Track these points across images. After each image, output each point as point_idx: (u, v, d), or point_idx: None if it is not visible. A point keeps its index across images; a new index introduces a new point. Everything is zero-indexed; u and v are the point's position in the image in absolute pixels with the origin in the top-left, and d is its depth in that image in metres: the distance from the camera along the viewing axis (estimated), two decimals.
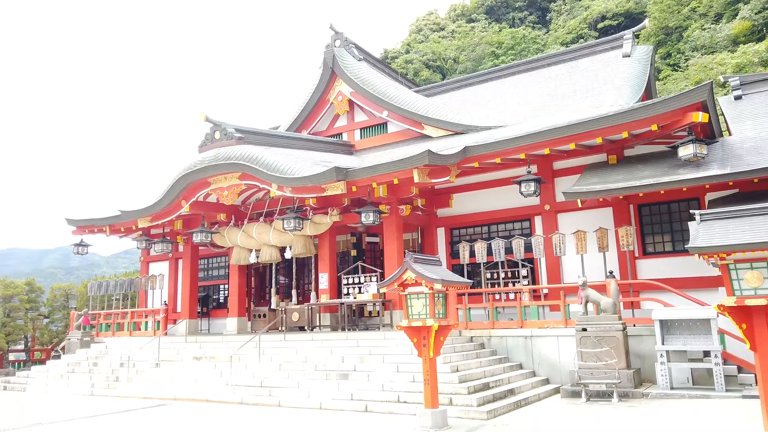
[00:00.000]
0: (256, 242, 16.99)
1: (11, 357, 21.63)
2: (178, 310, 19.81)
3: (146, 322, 19.17)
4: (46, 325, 22.57)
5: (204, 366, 14.24)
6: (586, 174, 13.69)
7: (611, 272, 12.16)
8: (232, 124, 15.82)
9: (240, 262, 17.69)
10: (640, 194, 12.61)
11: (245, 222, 17.23)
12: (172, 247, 18.70)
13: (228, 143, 15.39)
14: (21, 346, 21.87)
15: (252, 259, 17.23)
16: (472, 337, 13.32)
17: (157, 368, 14.93)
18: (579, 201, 12.81)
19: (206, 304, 20.44)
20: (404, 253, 14.69)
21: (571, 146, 12.84)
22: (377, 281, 15.15)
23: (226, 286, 20.25)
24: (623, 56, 17.81)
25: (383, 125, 18.61)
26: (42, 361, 20.67)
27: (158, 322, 18.66)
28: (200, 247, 19.00)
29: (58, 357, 18.79)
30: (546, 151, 13.00)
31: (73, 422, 10.64)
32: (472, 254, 14.66)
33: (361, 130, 19.15)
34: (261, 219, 16.91)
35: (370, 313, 16.44)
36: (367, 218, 14.02)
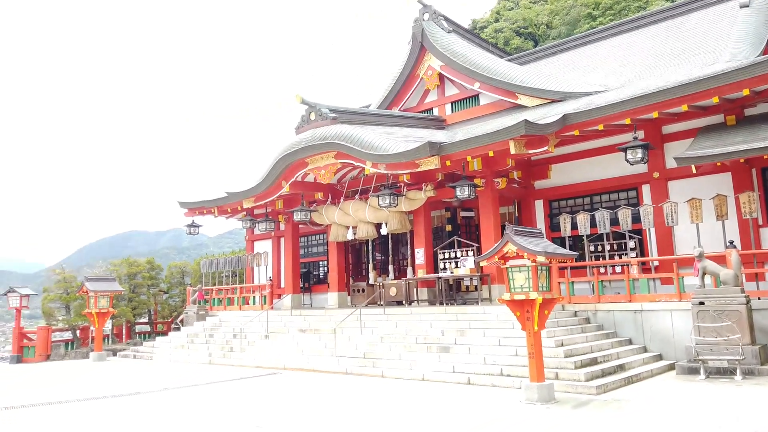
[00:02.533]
0: (353, 219, 17.40)
1: (137, 329, 23.85)
2: (282, 285, 20.81)
3: (254, 297, 20.33)
4: (166, 300, 24.59)
5: (309, 338, 14.91)
6: (700, 137, 12.69)
7: (731, 242, 11.24)
8: (326, 105, 16.19)
9: (338, 239, 18.23)
10: (765, 156, 11.49)
11: (341, 200, 17.68)
12: (274, 226, 19.63)
13: (323, 123, 15.77)
14: (145, 319, 24.01)
15: (349, 236, 17.70)
16: (576, 311, 12.92)
17: (266, 340, 15.83)
18: (693, 167, 11.91)
19: (308, 280, 21.30)
20: (501, 226, 14.51)
21: (683, 108, 11.92)
22: (474, 255, 15.05)
23: (326, 263, 20.99)
24: (741, 6, 16.12)
25: (475, 98, 18.25)
26: (164, 333, 22.58)
27: (265, 296, 19.72)
28: (300, 226, 19.76)
29: (178, 329, 20.44)
30: (654, 114, 12.15)
31: (197, 387, 11.58)
32: (574, 226, 14.13)
33: (452, 104, 18.89)
34: (357, 196, 17.26)
35: (467, 287, 16.39)
36: (462, 192, 13.91)
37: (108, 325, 20.98)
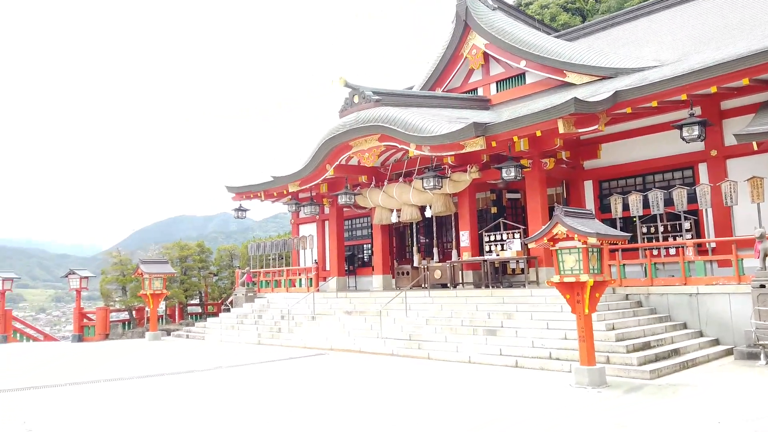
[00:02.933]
0: (397, 202, 17.40)
1: (189, 310, 24.70)
2: (327, 268, 21.09)
3: (300, 279, 20.68)
4: (215, 282, 25.35)
5: (355, 320, 15.08)
6: (762, 112, 12.02)
7: None
8: (369, 88, 16.14)
9: (382, 222, 18.29)
10: None
11: (385, 183, 17.68)
12: (319, 210, 19.83)
13: (366, 106, 15.75)
14: (196, 301, 24.83)
15: (393, 219, 17.72)
16: (627, 294, 12.58)
17: (313, 321, 16.12)
18: (755, 144, 11.32)
19: (352, 263, 21.50)
20: (548, 208, 14.22)
21: (744, 82, 11.30)
22: (520, 238, 14.82)
23: (370, 246, 21.11)
24: None
25: (521, 76, 17.82)
26: (214, 314, 23.31)
27: (311, 279, 20.03)
28: (344, 209, 19.91)
29: (228, 310, 21.03)
30: (713, 89, 11.58)
31: (248, 366, 11.92)
32: (626, 207, 13.70)
33: (497, 83, 18.51)
34: (400, 179, 17.23)
35: (513, 270, 16.20)
36: (508, 174, 13.68)
37: (162, 306, 21.79)
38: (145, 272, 19.31)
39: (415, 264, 18.34)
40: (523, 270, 14.89)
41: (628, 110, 12.65)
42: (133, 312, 22.21)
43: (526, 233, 14.50)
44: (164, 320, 22.61)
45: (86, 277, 21.20)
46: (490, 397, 8.05)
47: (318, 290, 18.93)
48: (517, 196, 17.36)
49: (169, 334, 20.22)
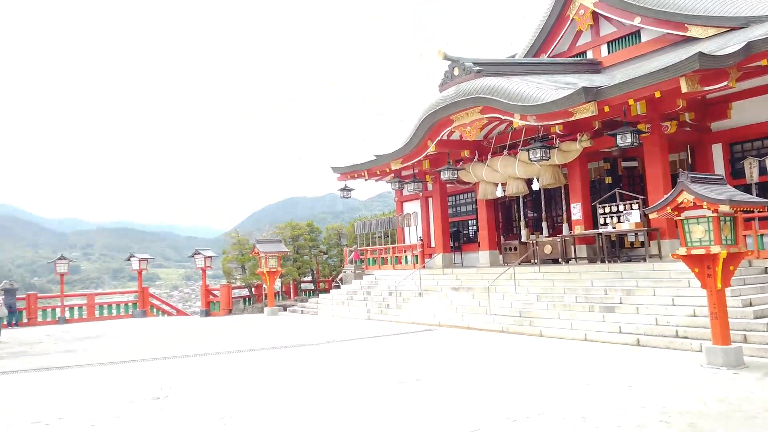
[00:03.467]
0: (502, 176, 16.91)
1: (303, 287, 25.93)
2: (432, 245, 21.09)
3: (406, 256, 20.91)
4: (326, 260, 26.37)
5: (462, 296, 14.98)
6: None
7: None
8: (469, 58, 15.70)
9: (487, 197, 17.89)
10: None
11: (489, 156, 17.22)
12: (422, 186, 19.82)
13: (467, 78, 15.34)
14: (309, 278, 25.99)
15: (498, 193, 17.26)
16: (766, 267, 11.34)
17: (420, 297, 16.24)
18: None
19: (457, 239, 21.33)
20: (670, 176, 13.12)
21: None
22: (639, 209, 13.84)
23: (475, 221, 20.80)
24: None
25: (635, 35, 16.46)
26: (325, 290, 24.27)
27: (416, 256, 20.19)
28: (448, 185, 19.72)
29: (338, 287, 21.80)
30: None
31: (359, 341, 12.28)
32: (762, 171, 12.30)
33: (608, 44, 17.25)
34: (505, 152, 16.70)
35: (631, 243, 15.19)
36: (624, 140, 12.75)
37: (278, 283, 23.01)
38: (261, 251, 20.46)
39: (523, 239, 17.80)
40: (642, 243, 13.92)
41: (764, 62, 11.23)
42: (252, 289, 23.70)
43: (645, 203, 13.50)
44: (280, 296, 23.91)
45: (209, 257, 22.88)
46: (618, 376, 7.63)
47: (424, 267, 19.01)
48: (634, 164, 16.17)
49: (285, 310, 21.37)
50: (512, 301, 13.42)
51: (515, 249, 17.40)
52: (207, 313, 22.26)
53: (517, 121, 14.35)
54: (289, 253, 23.21)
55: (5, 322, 18.26)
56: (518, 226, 18.95)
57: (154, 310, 24.37)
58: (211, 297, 22.87)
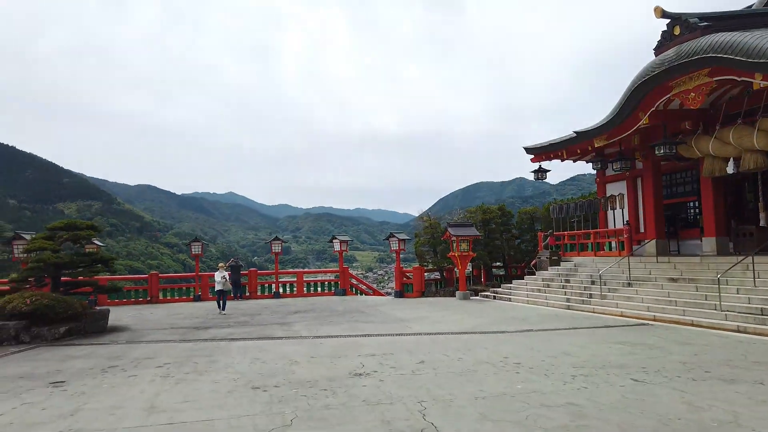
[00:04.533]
0: (734, 149, 14.34)
1: (493, 272, 25.33)
2: (641, 230, 18.92)
3: (609, 243, 19.09)
4: (518, 245, 25.36)
5: (682, 288, 13.09)
6: None
7: None
8: (693, 14, 13.51)
9: (713, 174, 15.37)
10: None
11: (717, 127, 14.75)
12: (630, 165, 17.82)
13: (691, 36, 13.22)
14: (499, 263, 25.29)
15: (730, 170, 14.70)
16: None
17: (629, 287, 14.61)
18: None
19: (672, 224, 18.82)
20: None
21: None
22: None
23: (695, 203, 18.14)
24: None
25: None
26: (518, 276, 23.38)
27: (621, 242, 18.28)
28: (662, 162, 17.44)
29: (532, 273, 20.78)
30: None
31: (558, 332, 11.36)
32: None
33: None
34: (739, 120, 14.12)
35: None
36: None
37: (468, 268, 22.75)
38: (453, 235, 20.34)
39: (762, 223, 14.96)
40: None
41: None
42: (443, 272, 23.79)
43: None
44: (471, 281, 23.63)
45: (403, 240, 23.47)
46: None
47: (631, 254, 17.12)
48: None
49: (476, 295, 21.03)
50: (750, 296, 11.28)
51: (751, 235, 14.73)
52: (401, 294, 22.90)
53: (759, 82, 11.95)
54: (480, 237, 22.76)
55: (232, 294, 20.88)
56: (755, 208, 16.00)
57: (353, 289, 25.87)
58: (404, 279, 23.50)
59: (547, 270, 19.53)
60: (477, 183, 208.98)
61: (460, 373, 7.54)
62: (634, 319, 12.77)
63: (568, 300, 15.89)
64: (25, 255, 14.25)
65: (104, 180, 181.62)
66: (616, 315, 13.49)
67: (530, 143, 21.21)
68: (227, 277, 17.21)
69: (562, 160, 20.77)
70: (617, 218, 19.93)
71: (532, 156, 21.18)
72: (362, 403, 6.07)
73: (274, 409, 5.89)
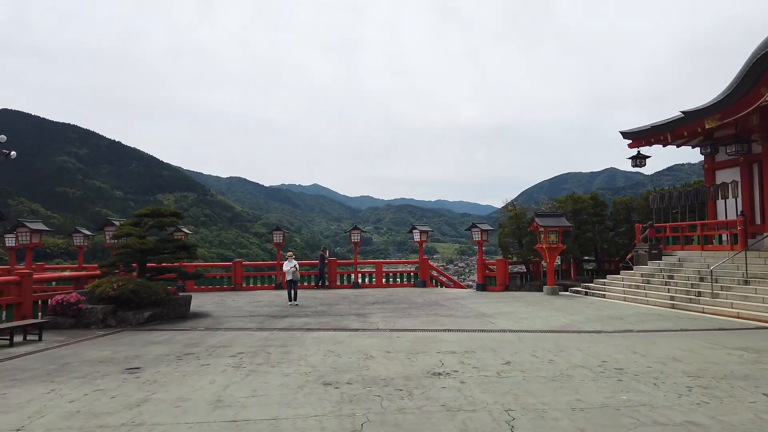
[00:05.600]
0: None
1: (584, 267, 23.71)
2: (757, 221, 16.83)
3: (719, 236, 17.14)
4: (612, 237, 23.52)
5: None
6: None
7: None
8: None
9: None
10: None
11: None
12: (746, 149, 15.83)
13: None
14: (591, 257, 23.62)
15: None
16: None
17: (746, 286, 12.93)
18: None
19: None
20: None
21: None
22: None
23: None
24: None
25: None
26: (611, 271, 21.70)
27: (734, 235, 16.33)
28: None
29: (628, 268, 19.14)
30: None
31: (663, 333, 10.12)
32: None
33: None
34: None
35: None
36: None
37: (557, 261, 21.38)
38: (541, 225, 19.12)
39: None
40: None
41: None
42: (529, 265, 22.54)
43: None
44: (560, 275, 22.25)
45: (486, 230, 22.44)
46: None
47: (747, 248, 15.22)
48: None
49: (565, 290, 19.69)
50: None
51: None
52: (483, 287, 21.95)
53: None
54: (570, 228, 21.30)
55: (312, 282, 20.83)
56: None
57: (433, 280, 25.17)
58: (486, 271, 22.49)
59: (646, 264, 17.88)
60: (563, 174, 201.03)
61: (552, 378, 6.70)
62: (754, 322, 11.22)
63: (672, 298, 14.35)
64: (115, 241, 14.78)
65: (199, 173, 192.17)
66: (731, 316, 11.94)
67: (625, 129, 19.49)
68: (297, 267, 16.73)
69: (665, 145, 18.95)
70: (729, 208, 17.86)
71: (630, 141, 19.49)
72: (441, 408, 5.42)
73: (345, 410, 5.39)
